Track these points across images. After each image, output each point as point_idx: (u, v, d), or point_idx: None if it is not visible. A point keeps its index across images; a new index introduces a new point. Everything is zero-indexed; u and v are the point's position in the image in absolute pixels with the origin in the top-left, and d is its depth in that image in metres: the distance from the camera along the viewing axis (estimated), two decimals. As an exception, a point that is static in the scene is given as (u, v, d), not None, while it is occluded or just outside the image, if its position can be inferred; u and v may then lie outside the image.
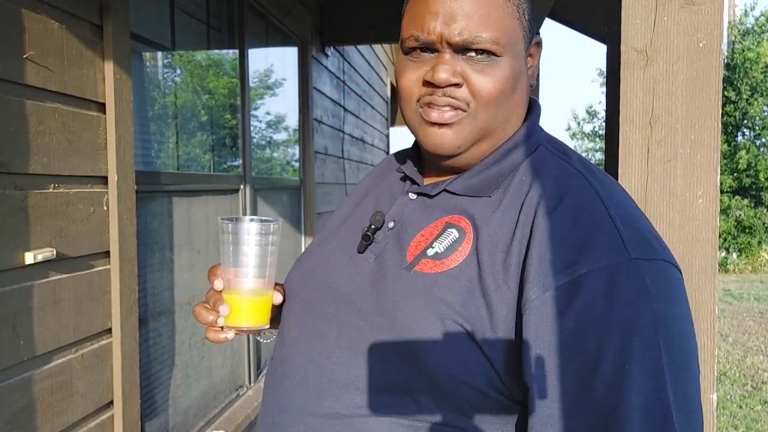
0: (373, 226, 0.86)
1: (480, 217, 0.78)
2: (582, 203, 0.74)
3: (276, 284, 0.93)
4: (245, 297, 0.87)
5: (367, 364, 0.77)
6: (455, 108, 0.78)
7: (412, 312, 0.76)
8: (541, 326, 0.70)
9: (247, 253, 0.86)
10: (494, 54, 0.76)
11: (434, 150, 0.81)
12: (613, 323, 0.68)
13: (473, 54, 0.77)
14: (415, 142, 0.89)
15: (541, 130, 0.87)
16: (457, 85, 0.77)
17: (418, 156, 0.91)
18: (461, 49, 0.77)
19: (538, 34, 0.84)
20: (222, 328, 0.90)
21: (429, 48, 0.78)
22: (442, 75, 0.76)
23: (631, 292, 0.69)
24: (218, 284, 0.89)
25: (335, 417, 0.78)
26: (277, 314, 0.95)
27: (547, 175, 0.79)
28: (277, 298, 0.91)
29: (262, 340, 1.03)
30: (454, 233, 0.79)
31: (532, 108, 0.87)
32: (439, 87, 0.77)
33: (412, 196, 0.86)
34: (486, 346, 0.72)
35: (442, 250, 0.78)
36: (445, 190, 0.83)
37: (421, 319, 0.75)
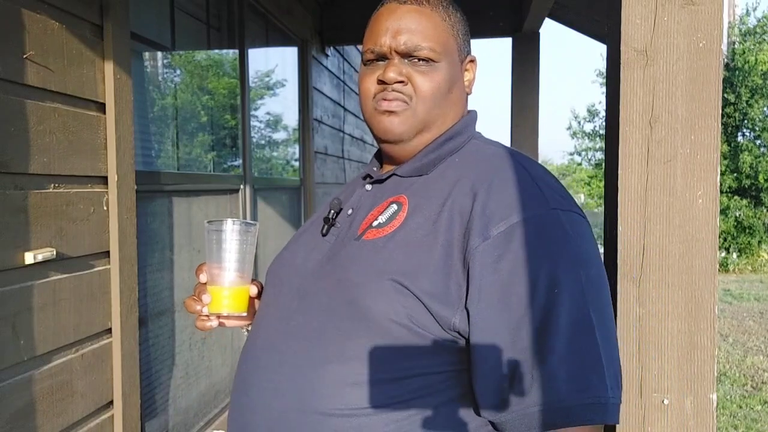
0: (332, 211, 1.04)
1: (417, 191, 0.97)
2: (511, 172, 0.92)
3: (253, 280, 1.08)
4: (225, 287, 1.02)
5: (323, 319, 0.92)
6: (401, 101, 0.98)
7: (357, 270, 0.91)
8: (484, 267, 0.85)
9: (229, 250, 1.02)
10: (432, 60, 0.98)
11: (384, 135, 1.01)
12: (544, 258, 0.85)
13: (416, 60, 0.98)
14: (378, 149, 1.11)
15: (476, 130, 1.07)
16: (402, 82, 0.98)
17: (379, 159, 1.11)
18: (406, 56, 0.98)
19: (471, 54, 1.07)
20: (208, 317, 1.05)
21: (382, 58, 1.00)
22: (391, 74, 0.97)
23: (556, 234, 0.87)
24: (203, 277, 1.05)
25: (299, 367, 0.91)
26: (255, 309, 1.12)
27: (481, 155, 0.99)
28: (253, 290, 1.06)
29: (245, 332, 1.16)
30: (394, 207, 0.96)
31: (470, 114, 1.08)
32: (389, 84, 0.98)
33: (368, 187, 1.05)
34: (415, 287, 0.86)
35: (384, 220, 0.95)
36: (394, 174, 1.02)
37: (364, 275, 0.90)
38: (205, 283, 1.04)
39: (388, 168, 1.07)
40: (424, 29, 0.98)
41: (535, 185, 0.90)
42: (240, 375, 0.99)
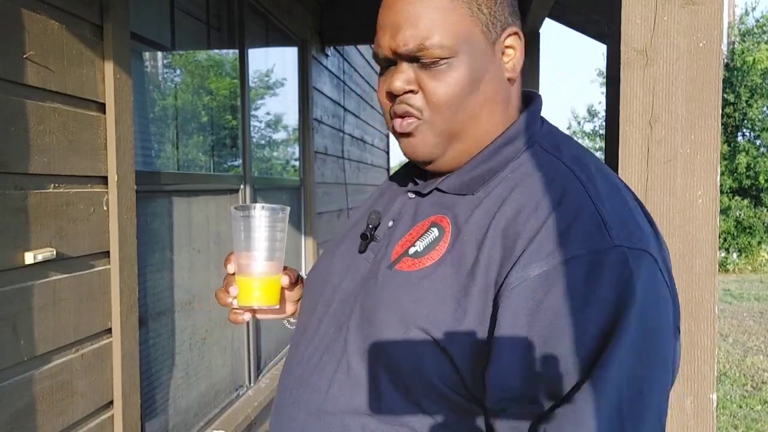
0: (370, 226, 0.89)
1: (460, 216, 0.79)
2: (566, 197, 0.73)
3: (286, 268, 0.98)
4: (255, 278, 0.93)
5: (344, 360, 0.80)
6: (411, 116, 0.81)
7: (383, 311, 0.78)
8: (516, 316, 0.69)
9: (258, 238, 0.93)
10: (445, 58, 0.78)
11: (410, 157, 0.84)
12: (592, 309, 0.67)
13: (425, 61, 0.78)
14: None
15: (543, 123, 0.86)
16: (412, 91, 0.80)
17: None
18: (413, 58, 0.79)
19: (514, 24, 0.83)
20: (240, 310, 0.97)
21: (390, 61, 0.82)
22: (396, 84, 0.80)
23: (614, 278, 0.67)
24: (230, 268, 0.96)
25: (319, 414, 0.81)
26: (291, 301, 1.04)
27: (533, 173, 0.78)
28: (284, 280, 0.96)
29: (288, 326, 1.09)
30: (434, 232, 0.80)
31: (531, 101, 0.87)
32: (397, 95, 0.81)
33: (411, 195, 0.89)
34: (447, 344, 0.72)
35: (422, 248, 0.80)
36: (436, 188, 0.85)
37: (387, 319, 0.77)
38: (233, 274, 0.95)
39: (433, 176, 0.90)
40: (430, 20, 0.77)
41: (597, 214, 0.71)
42: (276, 397, 0.91)
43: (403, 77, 0.80)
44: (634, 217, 0.74)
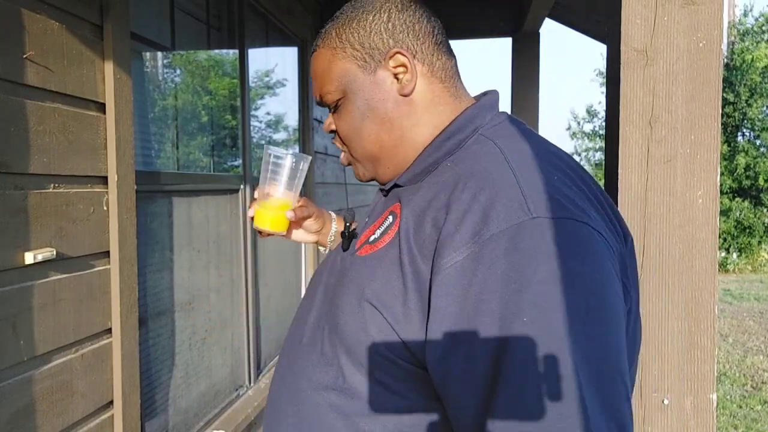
0: (346, 224, 0.99)
1: (408, 199, 0.86)
2: (491, 177, 0.78)
3: (302, 200, 1.25)
4: (266, 205, 1.19)
5: (319, 344, 0.88)
6: (343, 152, 0.99)
7: (343, 292, 0.86)
8: (448, 295, 0.73)
9: (280, 174, 1.18)
10: (338, 100, 0.93)
11: (361, 181, 1.02)
12: (510, 283, 0.69)
13: (329, 106, 0.96)
14: None
15: (496, 116, 0.92)
16: (334, 131, 0.98)
17: None
18: (326, 105, 0.97)
19: (396, 45, 0.91)
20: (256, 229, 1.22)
21: None
22: (325, 127, 0.99)
23: (531, 249, 0.70)
24: (256, 194, 1.21)
25: (297, 392, 0.89)
26: (311, 231, 1.31)
27: (466, 158, 0.85)
28: (289, 214, 1.20)
29: (322, 250, 1.36)
30: (389, 219, 0.88)
31: (477, 104, 0.94)
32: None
33: (382, 194, 1.00)
34: (392, 318, 0.78)
35: (378, 234, 0.88)
36: (395, 184, 0.94)
37: (345, 297, 0.85)
38: (255, 199, 1.20)
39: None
40: (321, 74, 0.94)
41: (518, 190, 0.75)
42: (269, 389, 1.01)
43: (327, 121, 0.98)
44: (558, 189, 0.76)
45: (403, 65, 0.90)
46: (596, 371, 0.69)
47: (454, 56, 0.97)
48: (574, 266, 0.70)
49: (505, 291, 0.69)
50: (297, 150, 4.18)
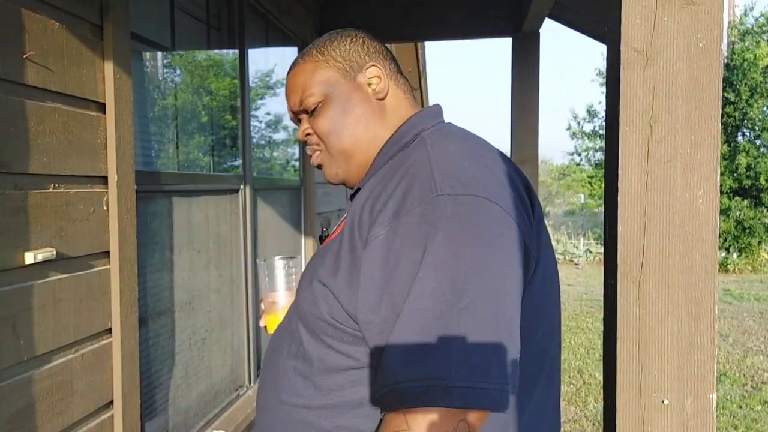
0: (323, 228, 1.20)
1: (358, 196, 1.04)
2: (412, 167, 0.95)
3: None
4: (276, 316, 1.28)
5: (291, 321, 1.08)
6: (317, 151, 1.12)
7: (303, 278, 1.06)
8: (373, 262, 0.89)
9: (278, 282, 1.30)
10: (319, 103, 1.08)
11: (330, 182, 1.15)
12: (412, 247, 0.86)
13: (309, 109, 1.10)
14: None
15: (440, 123, 1.09)
16: (310, 134, 1.12)
17: None
18: (303, 111, 1.11)
19: (372, 60, 1.11)
20: None
21: (298, 118, 1.15)
22: (299, 134, 1.14)
23: (435, 218, 0.86)
24: (262, 306, 1.35)
25: (269, 360, 1.10)
26: None
27: (403, 156, 1.02)
28: None
29: None
30: (343, 215, 1.09)
31: (421, 112, 1.11)
32: (303, 141, 1.13)
33: (351, 200, 1.13)
34: (337, 290, 0.94)
35: (334, 228, 1.08)
36: (358, 188, 1.10)
37: (303, 282, 1.05)
38: (264, 310, 1.33)
39: None
40: (302, 83, 1.09)
41: (431, 176, 0.91)
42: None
43: (302, 128, 1.13)
44: (464, 172, 0.92)
45: (377, 76, 1.10)
46: (480, 311, 0.85)
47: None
48: (466, 233, 0.86)
49: (413, 254, 0.86)
50: (296, 150, 4.18)
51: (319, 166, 1.14)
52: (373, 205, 0.94)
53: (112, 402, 1.87)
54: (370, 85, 1.09)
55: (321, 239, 1.38)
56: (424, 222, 0.86)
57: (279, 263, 1.29)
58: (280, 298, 1.29)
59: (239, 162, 3.20)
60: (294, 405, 1.01)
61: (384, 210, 0.91)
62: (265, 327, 1.29)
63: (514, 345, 0.87)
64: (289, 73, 1.14)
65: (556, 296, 1.08)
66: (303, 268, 1.23)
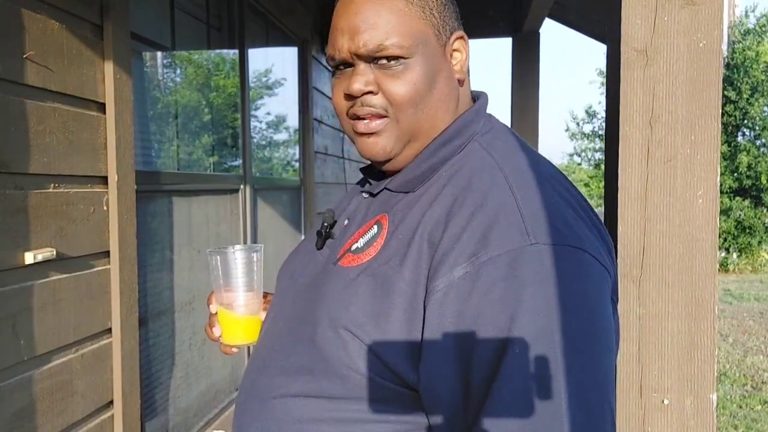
0: (324, 224, 0.94)
1: (398, 214, 0.83)
2: (489, 194, 0.76)
3: (266, 295, 1.03)
4: (235, 320, 0.98)
5: (288, 349, 0.84)
6: (376, 116, 0.83)
7: (322, 304, 0.81)
8: (443, 317, 0.71)
9: (235, 279, 0.97)
10: (402, 57, 0.81)
11: (370, 157, 0.87)
12: (504, 308, 0.69)
13: (384, 61, 0.82)
14: None
15: (488, 120, 0.90)
16: (372, 93, 0.83)
17: None
18: (371, 59, 0.82)
19: (460, 29, 0.88)
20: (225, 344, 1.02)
21: (347, 64, 0.85)
22: (355, 86, 0.82)
23: (529, 275, 0.69)
24: (213, 308, 1.01)
25: (266, 400, 0.84)
26: None
27: (464, 171, 0.82)
28: (263, 315, 0.99)
29: None
30: (374, 229, 0.84)
31: (477, 100, 0.91)
32: (357, 97, 0.83)
33: (365, 195, 0.93)
34: (372, 340, 0.75)
35: (362, 245, 0.83)
36: (385, 188, 0.89)
37: (325, 311, 0.80)
38: (215, 314, 1.00)
39: (386, 175, 0.94)
40: (387, 22, 0.81)
41: (518, 212, 0.74)
42: (240, 396, 0.93)
43: (362, 79, 0.82)
44: (557, 212, 0.76)
45: (460, 51, 0.87)
46: (586, 402, 0.69)
47: None
48: (567, 295, 0.70)
49: (500, 318, 0.69)
50: (297, 150, 4.19)
51: (364, 134, 0.85)
52: (433, 233, 0.76)
53: (112, 402, 1.87)
54: (453, 58, 0.87)
55: (320, 234, 0.96)
56: (513, 277, 0.69)
57: (238, 255, 0.96)
58: (239, 297, 0.97)
59: (239, 162, 3.20)
60: None
61: (455, 248, 0.72)
62: (219, 340, 1.01)
63: None
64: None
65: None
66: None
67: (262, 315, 0.99)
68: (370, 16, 0.81)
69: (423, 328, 0.73)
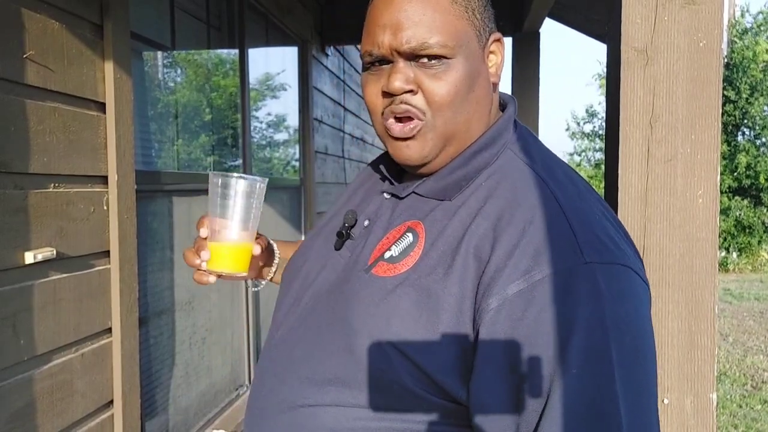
0: (346, 224, 0.91)
1: (436, 224, 0.80)
2: (538, 210, 0.75)
3: (259, 235, 1.02)
4: (227, 245, 0.96)
5: (318, 357, 0.81)
6: (413, 117, 0.80)
7: (359, 314, 0.78)
8: (496, 334, 0.71)
9: (233, 207, 0.95)
10: (445, 57, 0.78)
11: (404, 162, 0.84)
12: (562, 326, 0.69)
13: (425, 60, 0.79)
14: None
15: (517, 127, 0.88)
16: (412, 92, 0.80)
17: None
18: (412, 57, 0.79)
19: (496, 31, 0.86)
20: (206, 271, 0.97)
21: (384, 60, 0.81)
22: (396, 83, 0.79)
23: (583, 294, 0.69)
24: (203, 232, 0.97)
25: (292, 407, 0.81)
26: (260, 270, 1.10)
27: (506, 183, 0.80)
28: (257, 249, 0.98)
29: (252, 288, 1.15)
30: (409, 237, 0.81)
31: (507, 105, 0.89)
32: (395, 95, 0.80)
33: (387, 195, 0.90)
34: (418, 356, 0.73)
35: (397, 253, 0.80)
36: (413, 192, 0.86)
37: (363, 322, 0.77)
38: (206, 238, 0.96)
39: (409, 175, 0.90)
40: (431, 20, 0.78)
41: (569, 229, 0.73)
42: (251, 386, 0.93)
43: (402, 77, 0.79)
44: (604, 228, 0.76)
45: (496, 53, 0.85)
46: (639, 419, 0.70)
47: None
48: (620, 313, 0.70)
49: (554, 337, 0.69)
50: (297, 150, 4.19)
51: (399, 139, 0.82)
52: (480, 248, 0.74)
53: (112, 401, 1.87)
54: (489, 60, 0.85)
55: (341, 235, 0.92)
56: (569, 296, 0.69)
57: (241, 183, 0.95)
58: (231, 229, 0.95)
59: (239, 161, 3.20)
60: None
61: (508, 264, 0.71)
62: (201, 266, 0.97)
63: None
64: None
65: None
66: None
67: (257, 249, 0.98)
68: (414, 13, 0.78)
69: (475, 345, 0.72)
